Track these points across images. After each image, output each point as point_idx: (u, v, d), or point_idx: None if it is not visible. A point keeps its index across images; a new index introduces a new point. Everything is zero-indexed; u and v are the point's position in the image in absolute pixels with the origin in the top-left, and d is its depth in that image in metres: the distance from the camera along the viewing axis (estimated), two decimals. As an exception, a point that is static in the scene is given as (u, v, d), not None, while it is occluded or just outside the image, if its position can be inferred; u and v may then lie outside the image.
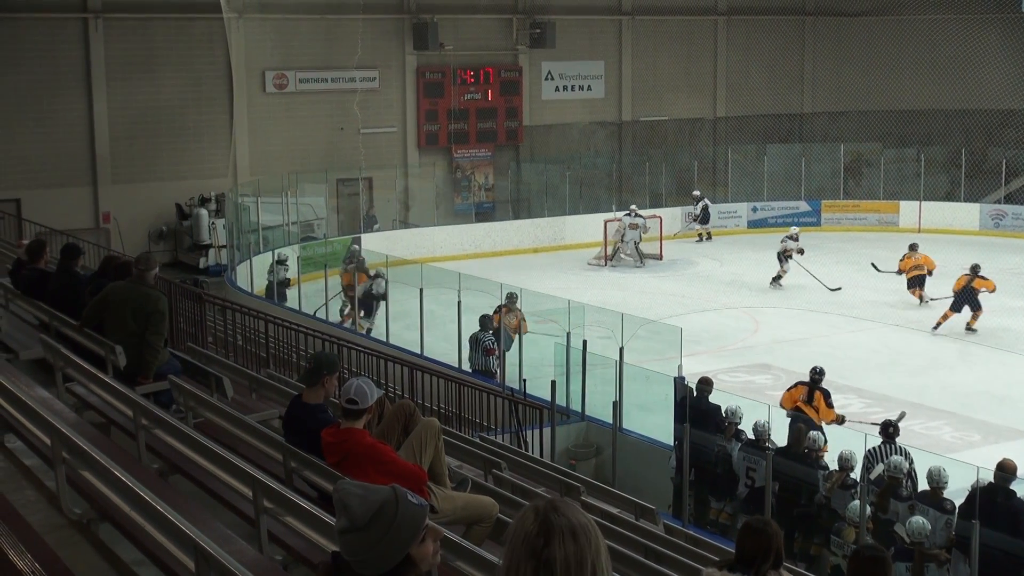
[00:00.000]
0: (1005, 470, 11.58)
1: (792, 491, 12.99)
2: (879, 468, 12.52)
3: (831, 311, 25.95)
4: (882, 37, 42.70)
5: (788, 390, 16.46)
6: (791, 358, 22.22)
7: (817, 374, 16.34)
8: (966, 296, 23.89)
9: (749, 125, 41.90)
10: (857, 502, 11.80)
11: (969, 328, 23.91)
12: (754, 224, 37.86)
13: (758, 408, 14.50)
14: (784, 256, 28.99)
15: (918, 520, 10.99)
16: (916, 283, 26.39)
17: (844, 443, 13.24)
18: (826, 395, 16.19)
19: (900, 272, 26.82)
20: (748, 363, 21.93)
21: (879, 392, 20.06)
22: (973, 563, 10.79)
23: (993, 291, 23.79)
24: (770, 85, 42.51)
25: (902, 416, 15.55)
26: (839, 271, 30.28)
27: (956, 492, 11.83)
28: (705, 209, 35.88)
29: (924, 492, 11.82)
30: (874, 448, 13.22)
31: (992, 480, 11.56)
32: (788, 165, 39.29)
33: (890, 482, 11.95)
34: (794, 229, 30.37)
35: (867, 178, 39.59)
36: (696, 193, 36.26)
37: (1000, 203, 37.86)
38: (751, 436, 13.70)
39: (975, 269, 24.12)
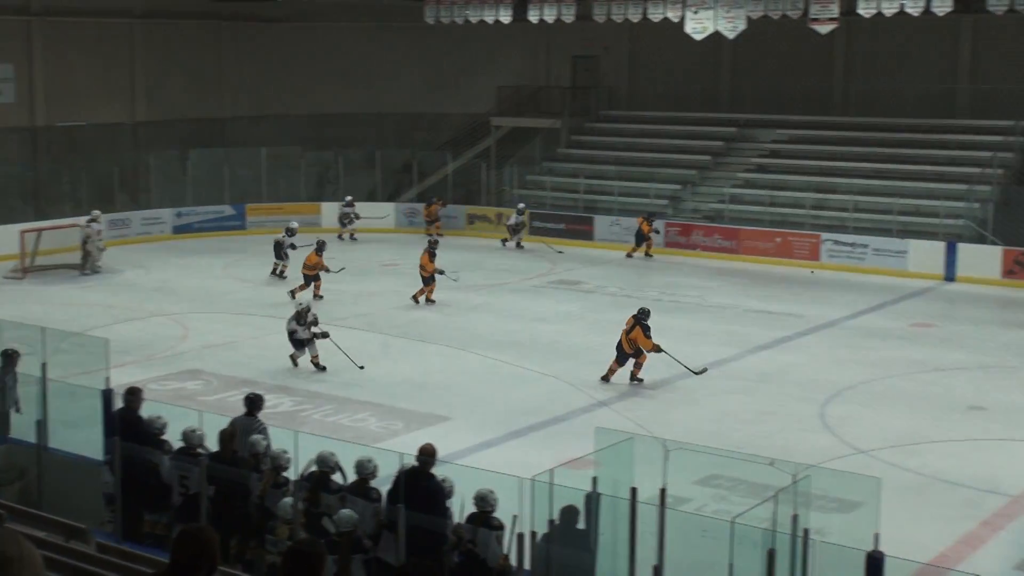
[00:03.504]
0: (425, 454, 12.38)
1: (227, 495, 13.09)
2: (311, 463, 12.90)
3: (257, 313, 26.35)
4: (296, 43, 43.90)
5: (627, 320, 20.78)
6: (222, 362, 22.38)
7: (643, 314, 20.64)
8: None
9: (171, 130, 41.39)
10: (289, 499, 12.11)
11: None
12: (179, 229, 37.70)
13: (189, 415, 14.47)
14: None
15: (345, 512, 11.49)
16: None
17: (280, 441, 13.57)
18: (645, 329, 20.42)
19: None
20: (178, 370, 21.79)
21: (310, 390, 20.65)
22: (400, 544, 11.43)
23: None
24: (190, 90, 42.20)
25: (704, 371, 20.99)
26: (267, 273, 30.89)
27: (385, 479, 12.48)
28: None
29: (353, 483, 12.35)
30: (235, 419, 14.09)
31: (415, 464, 12.31)
32: (212, 170, 39.31)
33: (320, 476, 12.38)
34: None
35: (289, 180, 40.44)
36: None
37: (413, 201, 40.26)
38: (181, 444, 13.64)
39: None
